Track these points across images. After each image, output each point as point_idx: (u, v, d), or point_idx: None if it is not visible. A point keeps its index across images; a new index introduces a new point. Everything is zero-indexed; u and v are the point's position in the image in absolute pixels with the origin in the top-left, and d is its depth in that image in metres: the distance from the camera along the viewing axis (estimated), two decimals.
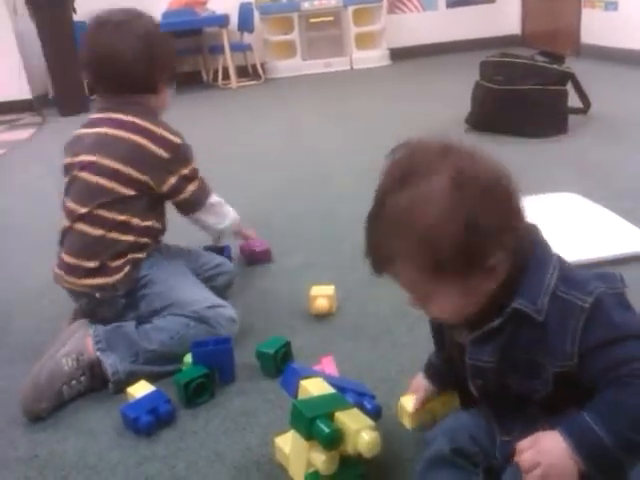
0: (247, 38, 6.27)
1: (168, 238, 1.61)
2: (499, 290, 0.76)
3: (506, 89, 2.99)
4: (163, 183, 1.47)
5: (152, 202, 1.49)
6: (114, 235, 1.42)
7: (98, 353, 1.32)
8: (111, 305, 1.44)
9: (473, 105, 3.22)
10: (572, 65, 3.09)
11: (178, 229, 1.67)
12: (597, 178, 2.33)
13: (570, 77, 3.02)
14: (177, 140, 1.48)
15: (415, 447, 1.05)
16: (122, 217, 1.43)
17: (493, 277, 0.75)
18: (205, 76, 6.48)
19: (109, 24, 1.45)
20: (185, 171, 1.50)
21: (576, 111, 3.14)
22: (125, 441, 1.18)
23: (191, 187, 1.52)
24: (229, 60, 5.87)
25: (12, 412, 1.29)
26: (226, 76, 6.02)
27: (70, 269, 1.44)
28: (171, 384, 1.28)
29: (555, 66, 3.01)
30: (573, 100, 3.09)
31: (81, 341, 1.34)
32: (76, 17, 5.20)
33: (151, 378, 1.31)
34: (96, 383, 1.33)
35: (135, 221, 1.44)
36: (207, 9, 6.10)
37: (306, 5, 6.15)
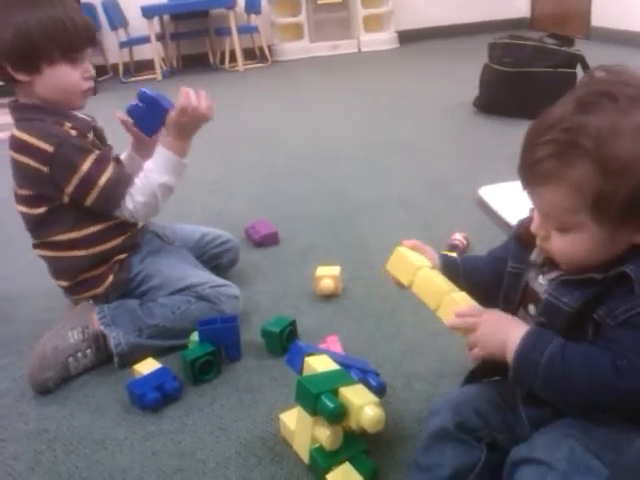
0: (254, 20, 6.23)
1: (169, 218, 1.59)
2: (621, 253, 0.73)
3: (514, 71, 2.98)
4: (62, 195, 1.32)
5: (76, 208, 1.35)
6: (70, 253, 1.38)
7: (102, 327, 1.33)
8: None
9: (481, 87, 3.21)
10: (582, 48, 3.06)
11: (180, 206, 1.65)
12: None
13: (579, 60, 2.99)
14: (49, 148, 1.26)
15: (419, 424, 1.06)
16: (63, 236, 1.36)
17: (635, 237, 0.72)
18: (212, 58, 6.44)
19: None
20: (75, 179, 1.29)
21: None
22: (131, 417, 1.19)
23: (93, 192, 1.31)
24: (236, 42, 5.83)
25: (21, 387, 1.31)
26: (233, 59, 5.99)
27: (60, 286, 1.45)
28: (177, 361, 1.30)
29: (564, 48, 2.98)
30: None
31: (86, 316, 1.36)
32: None
33: (157, 355, 1.32)
34: (102, 358, 1.35)
35: (74, 234, 1.36)
36: None
37: None
